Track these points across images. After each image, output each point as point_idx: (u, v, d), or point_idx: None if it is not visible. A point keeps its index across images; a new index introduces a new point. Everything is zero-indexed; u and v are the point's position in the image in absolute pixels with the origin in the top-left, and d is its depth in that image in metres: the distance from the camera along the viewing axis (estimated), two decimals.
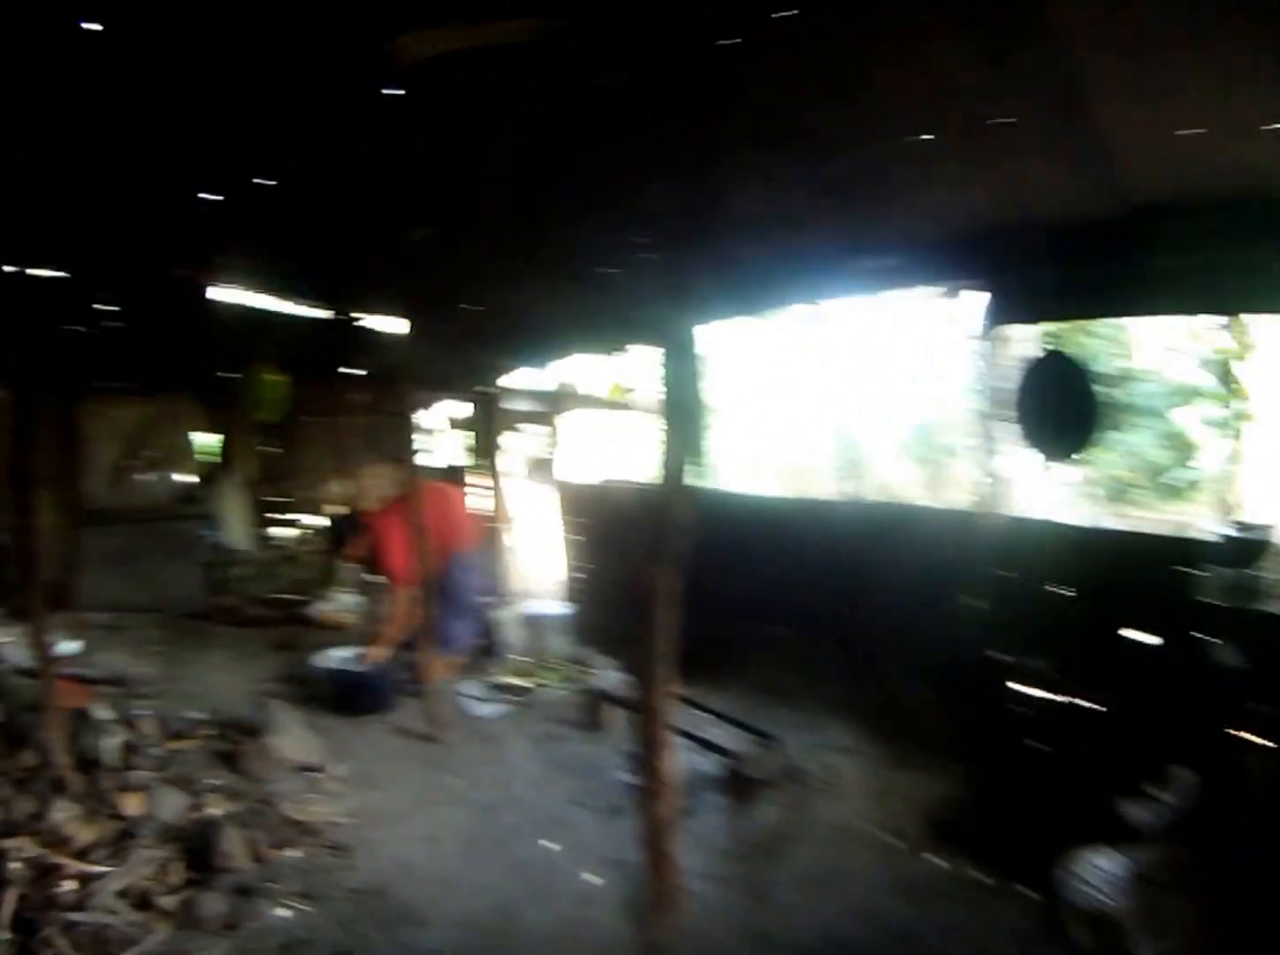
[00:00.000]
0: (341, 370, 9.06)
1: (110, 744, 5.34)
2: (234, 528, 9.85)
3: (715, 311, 5.80)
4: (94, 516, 9.21)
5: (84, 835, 4.26)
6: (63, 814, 4.36)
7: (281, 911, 4.03)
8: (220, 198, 4.78)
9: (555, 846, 4.74)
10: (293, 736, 5.83)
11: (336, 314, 7.85)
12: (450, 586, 7.18)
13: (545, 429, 10.47)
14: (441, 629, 6.77)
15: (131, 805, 4.63)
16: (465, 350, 8.66)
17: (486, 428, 9.79)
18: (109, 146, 3.88)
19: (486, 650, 7.78)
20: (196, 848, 4.32)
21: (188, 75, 3.16)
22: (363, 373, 10.06)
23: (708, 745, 5.07)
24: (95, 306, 7.66)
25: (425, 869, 4.51)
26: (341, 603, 9.24)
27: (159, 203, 4.90)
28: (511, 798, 5.37)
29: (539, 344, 8.49)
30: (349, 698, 6.68)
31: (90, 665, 7.12)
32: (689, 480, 3.12)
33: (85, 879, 3.91)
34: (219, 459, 10.67)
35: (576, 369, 11.17)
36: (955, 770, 5.01)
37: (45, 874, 3.90)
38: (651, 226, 3.95)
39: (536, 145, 3.89)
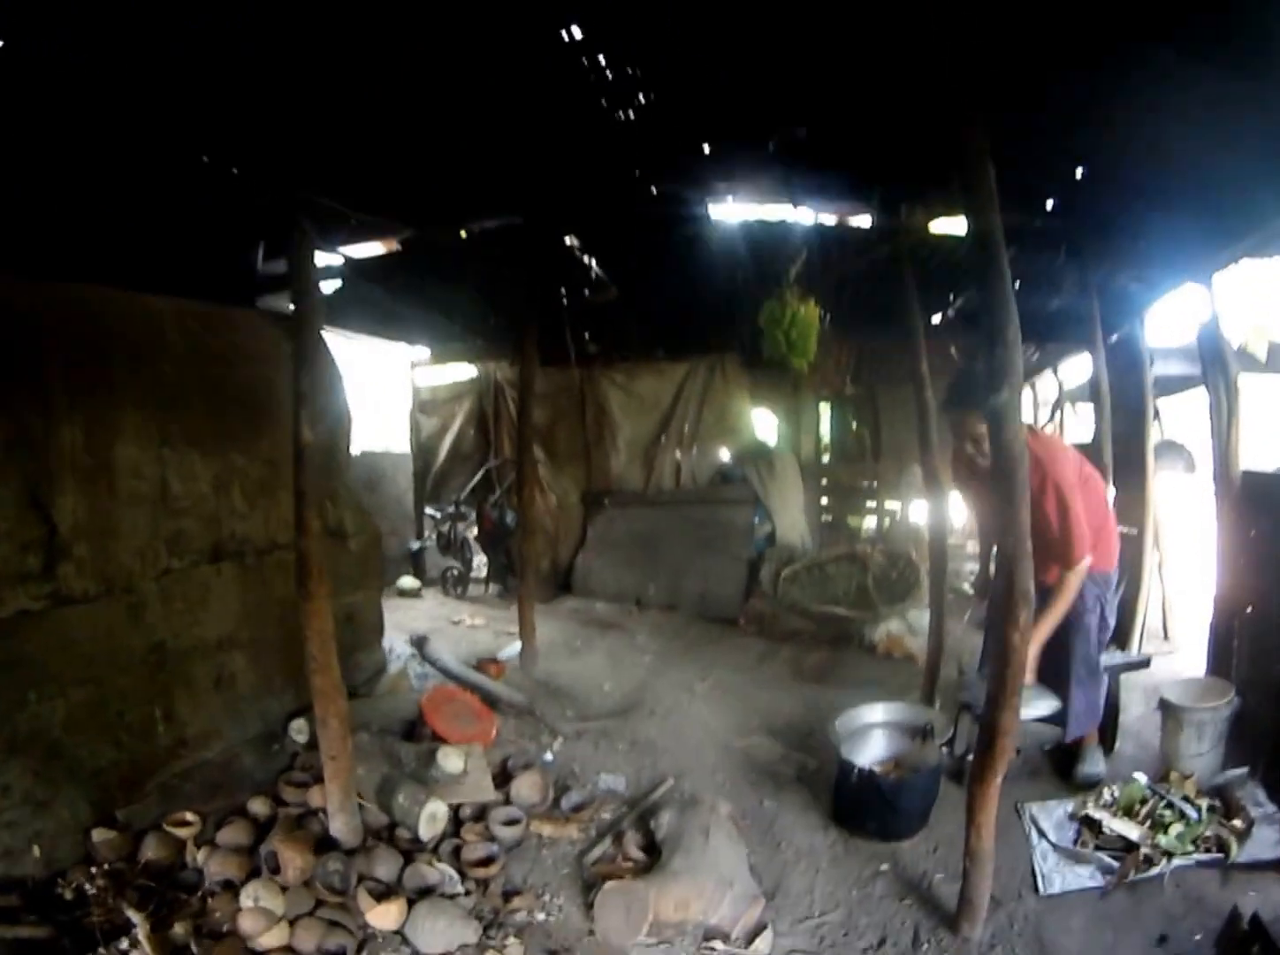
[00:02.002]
0: (924, 314, 5.99)
1: (431, 810, 3.41)
2: (786, 517, 7.49)
3: None
4: (615, 497, 7.91)
5: (266, 939, 2.75)
6: (251, 901, 2.87)
7: None
8: None
9: None
10: (712, 866, 3.09)
11: (887, 219, 4.97)
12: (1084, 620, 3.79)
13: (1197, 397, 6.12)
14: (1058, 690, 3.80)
15: (379, 916, 2.91)
16: (1085, 265, 5.18)
17: (1126, 395, 5.72)
18: None
19: (1103, 740, 4.16)
20: None
21: None
22: (945, 315, 7.14)
23: None
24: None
25: None
26: (912, 626, 6.20)
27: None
28: None
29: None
30: (857, 804, 3.68)
31: (514, 683, 5.31)
32: None
33: None
34: (773, 432, 8.53)
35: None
36: None
37: None
38: None
39: None
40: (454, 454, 8.61)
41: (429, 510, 8.63)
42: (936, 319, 7.25)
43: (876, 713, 4.35)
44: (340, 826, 3.25)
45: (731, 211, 5.35)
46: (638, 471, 8.00)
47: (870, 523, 8.47)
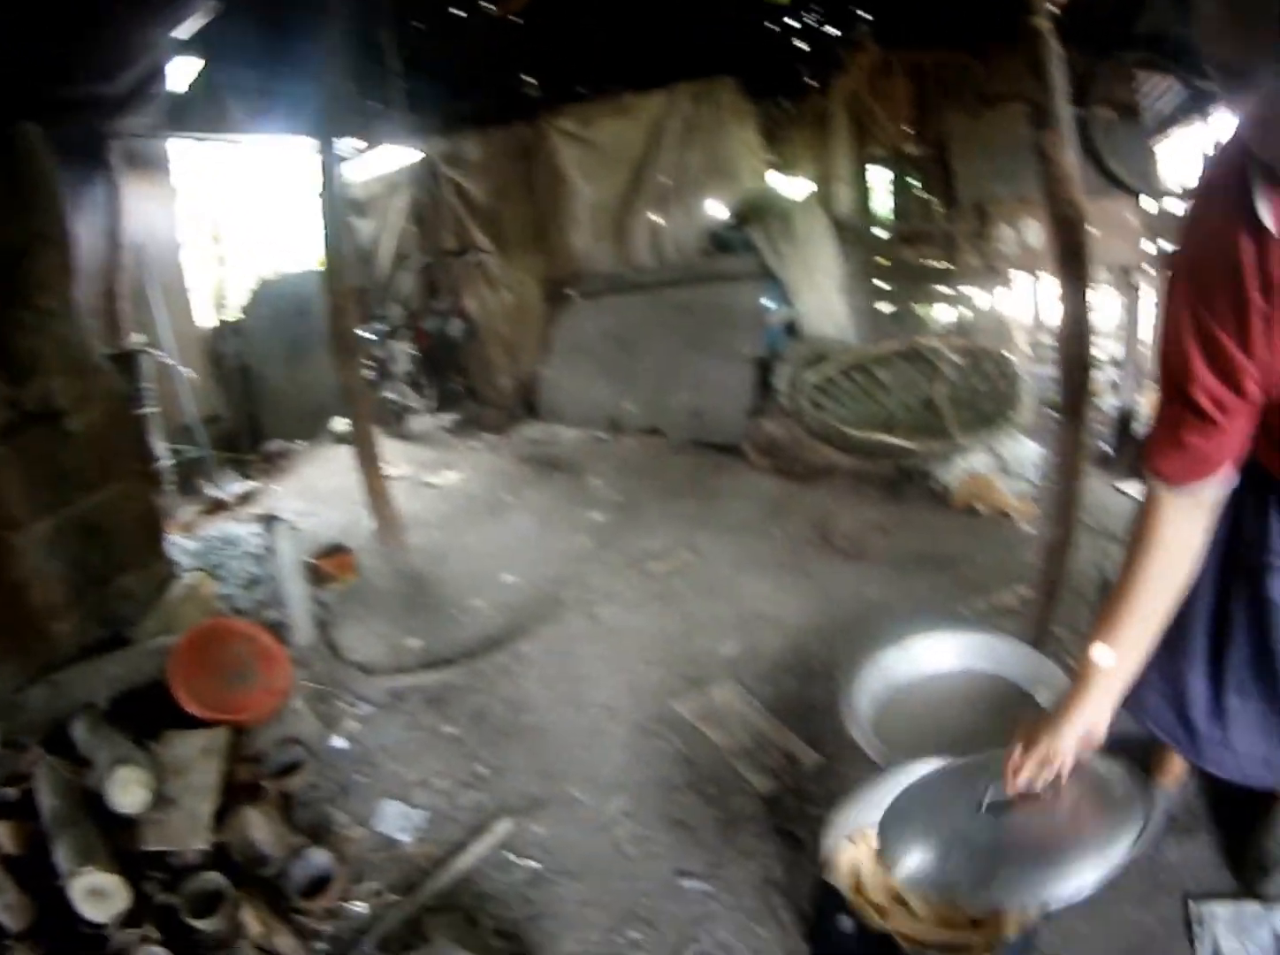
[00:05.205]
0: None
1: (90, 884, 1.81)
2: (813, 298, 5.20)
3: None
4: (581, 284, 5.92)
5: None
6: None
7: None
8: None
9: None
10: None
11: None
12: None
13: None
14: None
15: None
16: None
17: None
18: None
19: None
20: None
21: None
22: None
23: None
24: None
25: None
26: (1008, 463, 3.95)
27: None
28: None
29: None
30: None
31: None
32: None
33: None
34: (788, 179, 6.28)
35: None
36: None
37: None
38: None
39: None
40: (396, 258, 6.73)
41: (361, 331, 6.60)
42: None
43: (941, 653, 2.26)
44: None
45: None
46: (607, 247, 5.85)
47: (945, 313, 6.08)
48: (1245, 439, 1.29)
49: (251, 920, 1.83)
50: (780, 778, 2.13)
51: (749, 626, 2.91)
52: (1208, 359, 1.22)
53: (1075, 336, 2.41)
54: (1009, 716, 2.06)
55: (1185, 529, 1.33)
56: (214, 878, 1.89)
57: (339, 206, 3.87)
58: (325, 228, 3.74)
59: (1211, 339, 1.22)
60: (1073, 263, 2.38)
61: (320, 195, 3.73)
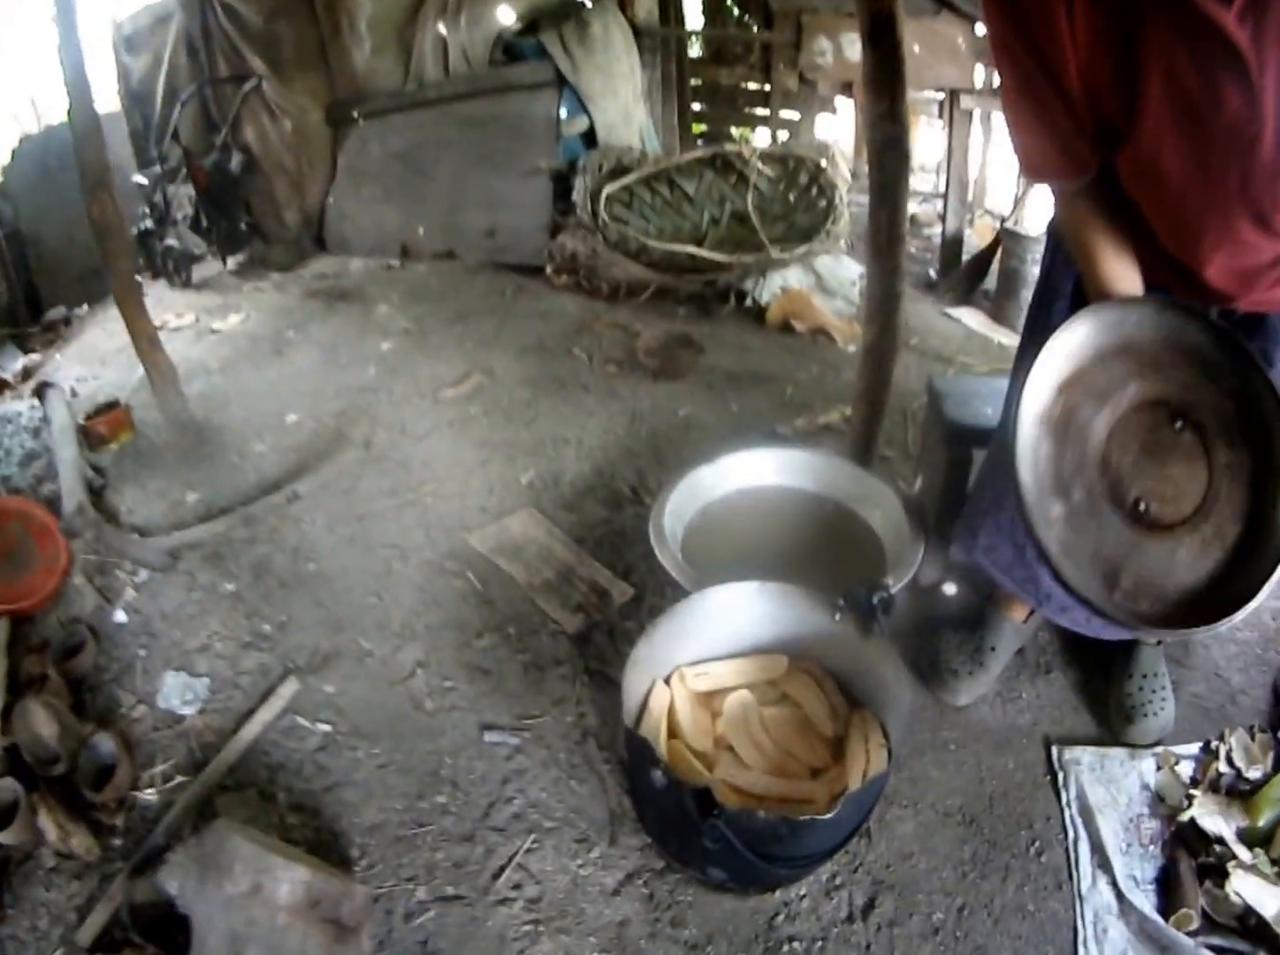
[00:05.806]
0: None
1: None
2: (612, 105, 4.88)
3: None
4: (365, 105, 5.37)
5: None
6: None
7: None
8: None
9: None
10: None
11: None
12: None
13: None
14: None
15: None
16: None
17: None
18: None
19: None
20: None
21: None
22: None
23: None
24: None
25: None
26: (825, 281, 3.84)
27: None
28: None
29: None
30: (682, 837, 1.40)
31: None
32: None
33: None
34: None
35: None
36: None
37: None
38: None
39: None
40: (170, 95, 5.77)
41: (137, 177, 5.61)
42: None
43: (756, 470, 2.11)
44: None
45: None
46: (391, 64, 5.32)
47: (762, 138, 5.94)
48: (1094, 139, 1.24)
49: (49, 825, 1.66)
50: (589, 613, 1.97)
51: (549, 451, 2.70)
52: (1040, 70, 1.17)
53: (886, 115, 2.19)
54: (828, 532, 1.97)
55: (1098, 205, 1.31)
56: (8, 785, 1.73)
57: (76, 21, 3.13)
58: (62, 49, 3.06)
59: (1026, 60, 1.17)
60: (882, 33, 2.15)
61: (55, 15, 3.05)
